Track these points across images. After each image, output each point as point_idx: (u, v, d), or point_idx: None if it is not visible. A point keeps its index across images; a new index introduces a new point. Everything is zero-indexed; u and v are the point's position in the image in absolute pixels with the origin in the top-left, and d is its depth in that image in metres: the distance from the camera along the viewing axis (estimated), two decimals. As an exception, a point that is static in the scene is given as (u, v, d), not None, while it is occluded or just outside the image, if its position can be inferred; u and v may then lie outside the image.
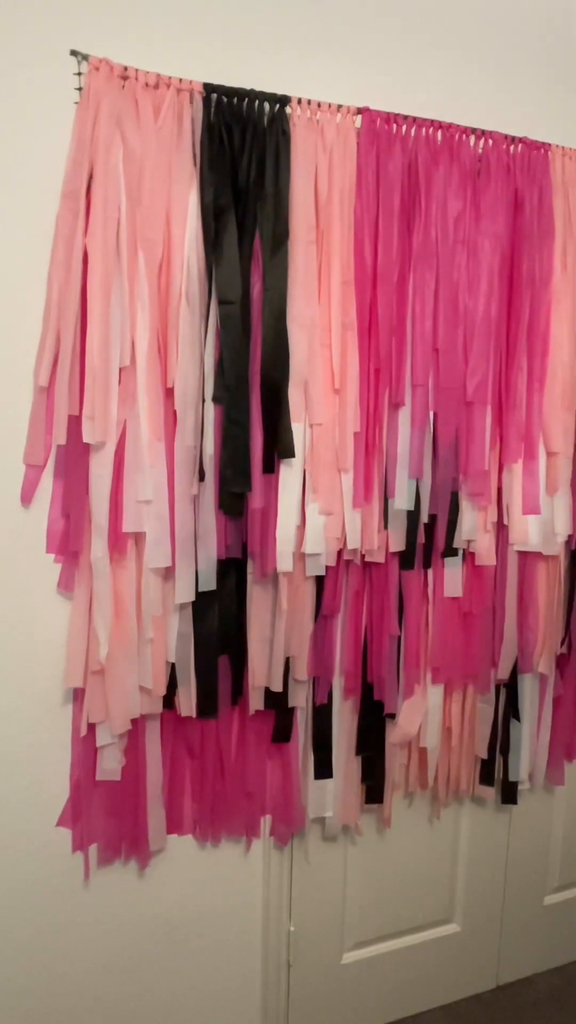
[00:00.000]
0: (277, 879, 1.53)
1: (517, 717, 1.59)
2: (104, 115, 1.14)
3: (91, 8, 1.18)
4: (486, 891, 1.78)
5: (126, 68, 1.16)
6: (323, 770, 1.46)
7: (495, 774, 1.62)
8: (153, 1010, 1.47)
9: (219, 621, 1.31)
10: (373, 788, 1.51)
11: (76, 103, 1.16)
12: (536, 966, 1.89)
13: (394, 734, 1.48)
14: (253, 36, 1.28)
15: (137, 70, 1.16)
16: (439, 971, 1.76)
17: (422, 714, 1.48)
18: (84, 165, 1.13)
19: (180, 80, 1.19)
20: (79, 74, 1.16)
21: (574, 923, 1.91)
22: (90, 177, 1.14)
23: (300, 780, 1.45)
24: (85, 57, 1.15)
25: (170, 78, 1.18)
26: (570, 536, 1.55)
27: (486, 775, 1.62)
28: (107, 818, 1.33)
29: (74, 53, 1.15)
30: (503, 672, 1.55)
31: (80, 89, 1.16)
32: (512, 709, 1.59)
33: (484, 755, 1.58)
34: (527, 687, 1.59)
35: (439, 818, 1.66)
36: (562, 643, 1.60)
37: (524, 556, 1.52)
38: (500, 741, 1.62)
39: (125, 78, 1.16)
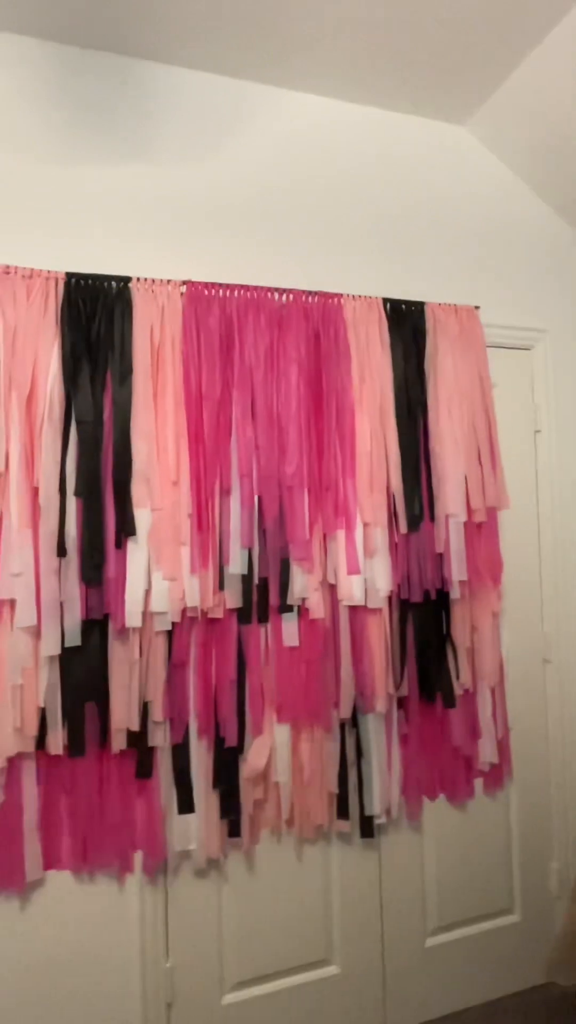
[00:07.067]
0: (152, 915, 1.70)
1: (363, 754, 1.82)
2: (-11, 299, 1.60)
3: (-15, 229, 1.68)
4: (363, 932, 1.91)
5: (7, 266, 1.64)
6: (185, 805, 1.69)
7: (350, 809, 1.83)
8: (35, 1049, 1.60)
9: (84, 671, 1.61)
10: (235, 822, 1.73)
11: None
12: (424, 1013, 1.97)
13: (245, 769, 1.71)
14: (105, 235, 1.79)
15: (17, 267, 1.65)
16: (324, 1016, 1.86)
17: (268, 750, 1.73)
18: (-28, 334, 1.58)
19: (48, 272, 1.67)
20: (-27, 273, 1.64)
21: (458, 967, 2.01)
22: (-23, 342, 1.58)
23: (163, 814, 1.67)
24: (-23, 262, 1.63)
25: (42, 271, 1.66)
26: (391, 592, 1.86)
27: (341, 809, 1.82)
28: (-11, 851, 1.55)
29: (-31, 260, 1.64)
30: (344, 712, 1.80)
31: (-26, 283, 1.63)
32: (358, 747, 1.83)
33: (335, 790, 1.80)
34: (370, 726, 1.84)
35: (302, 852, 1.84)
36: (398, 686, 1.87)
37: (353, 610, 1.83)
38: (358, 778, 1.84)
39: (7, 273, 1.64)
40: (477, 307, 2.07)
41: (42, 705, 1.56)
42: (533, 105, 2.02)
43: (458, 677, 1.94)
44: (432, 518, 1.93)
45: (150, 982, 1.70)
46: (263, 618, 1.75)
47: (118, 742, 1.62)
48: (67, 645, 1.58)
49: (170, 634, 1.67)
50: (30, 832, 1.57)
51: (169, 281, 1.75)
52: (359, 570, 1.81)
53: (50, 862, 1.61)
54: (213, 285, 1.78)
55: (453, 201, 2.18)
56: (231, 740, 1.68)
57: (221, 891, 1.78)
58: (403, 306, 1.98)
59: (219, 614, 1.70)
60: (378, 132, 2.10)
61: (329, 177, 2.03)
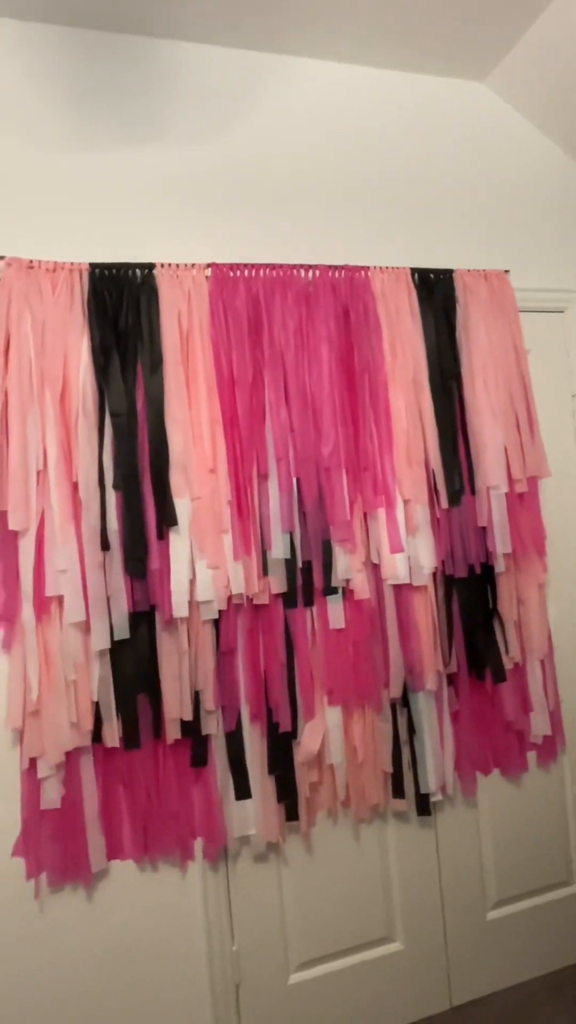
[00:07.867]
0: (215, 900, 1.72)
1: (415, 733, 1.81)
2: (16, 295, 1.58)
3: (4, 219, 1.66)
4: (424, 908, 1.91)
5: (31, 261, 1.62)
6: (242, 791, 1.69)
7: (405, 787, 1.82)
8: (111, 1033, 1.63)
9: (135, 664, 1.61)
10: (291, 806, 1.73)
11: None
12: (489, 985, 1.97)
13: (299, 753, 1.71)
14: (125, 221, 1.76)
15: (40, 261, 1.62)
16: (389, 992, 1.87)
17: (322, 733, 1.72)
18: (2, 332, 1.56)
19: (71, 263, 1.64)
20: (-3, 269, 1.62)
21: (520, 939, 2.00)
22: (7, 339, 1.57)
23: (221, 801, 1.67)
24: (1, 257, 1.61)
25: (65, 263, 1.64)
26: (436, 568, 1.83)
27: (397, 789, 1.81)
28: (54, 845, 1.57)
29: (-7, 256, 1.62)
30: (395, 691, 1.79)
31: (-1, 279, 1.61)
32: (411, 725, 1.82)
33: (390, 769, 1.79)
34: (421, 704, 1.82)
35: (359, 832, 1.84)
36: (447, 663, 1.85)
37: (398, 588, 1.81)
38: (412, 756, 1.83)
39: (31, 267, 1.62)
40: (507, 271, 2.01)
41: (96, 699, 1.57)
42: (556, 56, 1.93)
43: (507, 651, 1.91)
44: (473, 491, 1.89)
45: (217, 965, 1.72)
46: (308, 601, 1.73)
47: (172, 732, 1.62)
48: (116, 639, 1.58)
49: (217, 622, 1.66)
50: (92, 824, 1.58)
51: (193, 265, 1.71)
52: (402, 548, 1.78)
53: (113, 853, 1.63)
54: (238, 266, 1.74)
55: (476, 163, 2.10)
56: (285, 725, 1.67)
57: (281, 874, 1.79)
58: (431, 275, 1.92)
59: (264, 600, 1.68)
60: (395, 95, 2.03)
61: (347, 146, 1.97)
